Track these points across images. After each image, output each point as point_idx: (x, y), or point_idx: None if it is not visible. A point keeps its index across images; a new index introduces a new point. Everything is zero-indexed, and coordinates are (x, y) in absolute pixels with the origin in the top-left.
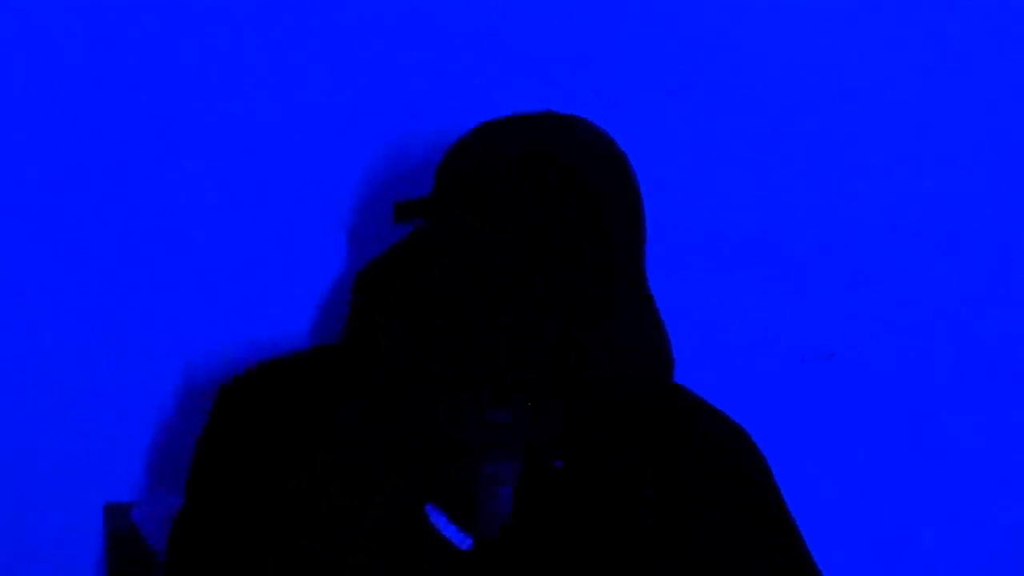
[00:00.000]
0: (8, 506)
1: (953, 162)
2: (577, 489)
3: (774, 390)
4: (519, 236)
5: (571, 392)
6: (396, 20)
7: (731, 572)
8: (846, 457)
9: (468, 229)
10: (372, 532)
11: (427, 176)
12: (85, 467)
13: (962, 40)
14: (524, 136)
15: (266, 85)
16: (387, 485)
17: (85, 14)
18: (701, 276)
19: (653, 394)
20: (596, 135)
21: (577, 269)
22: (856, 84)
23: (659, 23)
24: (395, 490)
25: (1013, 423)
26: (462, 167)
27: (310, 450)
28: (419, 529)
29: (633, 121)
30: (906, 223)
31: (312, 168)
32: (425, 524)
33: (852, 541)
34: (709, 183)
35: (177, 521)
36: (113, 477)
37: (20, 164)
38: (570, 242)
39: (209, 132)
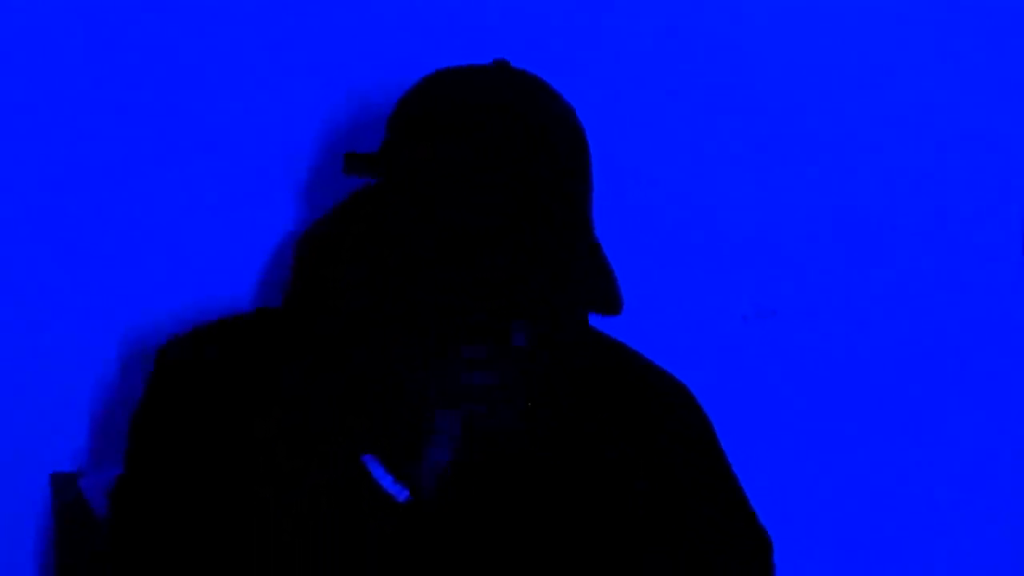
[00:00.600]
0: None
1: (887, 129)
2: (527, 456)
3: (717, 347)
4: (470, 182)
5: (527, 328)
6: None
7: (678, 532)
8: (788, 413)
9: (420, 174)
10: (316, 489)
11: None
12: (31, 437)
13: (914, 35)
14: (475, 85)
15: (219, 43)
16: (333, 442)
17: None
18: (644, 236)
19: (599, 339)
20: (545, 89)
21: (526, 215)
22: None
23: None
24: (340, 446)
25: (946, 379)
26: (414, 114)
27: (253, 411)
28: (362, 485)
29: (586, 87)
30: (845, 182)
31: (261, 131)
32: (367, 479)
33: (794, 497)
34: (653, 147)
35: (117, 487)
36: (59, 447)
37: None
38: (519, 189)
39: (160, 91)
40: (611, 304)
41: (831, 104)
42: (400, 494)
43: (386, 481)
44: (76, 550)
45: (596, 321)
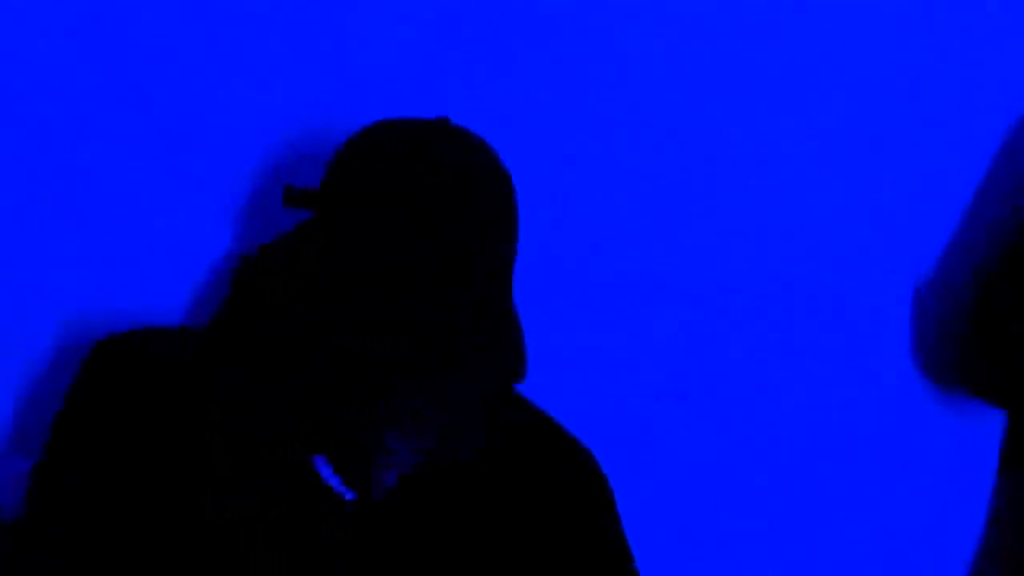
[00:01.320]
0: None
1: (788, 194)
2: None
3: (630, 428)
4: (399, 234)
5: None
6: (300, 14)
7: None
8: (698, 495)
9: (353, 220)
10: (260, 491)
11: (316, 169)
12: None
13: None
14: (414, 138)
15: (165, 72)
16: (279, 446)
17: None
18: (563, 317)
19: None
20: (482, 150)
21: (447, 270)
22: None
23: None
24: (286, 450)
25: (867, 465)
26: (353, 160)
27: (189, 412)
28: (308, 487)
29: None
30: (755, 272)
31: (204, 155)
32: (314, 482)
33: None
34: (578, 219)
35: (37, 472)
36: None
37: None
38: (443, 242)
39: (110, 112)
40: (516, 372)
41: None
42: (348, 496)
43: (334, 482)
44: None
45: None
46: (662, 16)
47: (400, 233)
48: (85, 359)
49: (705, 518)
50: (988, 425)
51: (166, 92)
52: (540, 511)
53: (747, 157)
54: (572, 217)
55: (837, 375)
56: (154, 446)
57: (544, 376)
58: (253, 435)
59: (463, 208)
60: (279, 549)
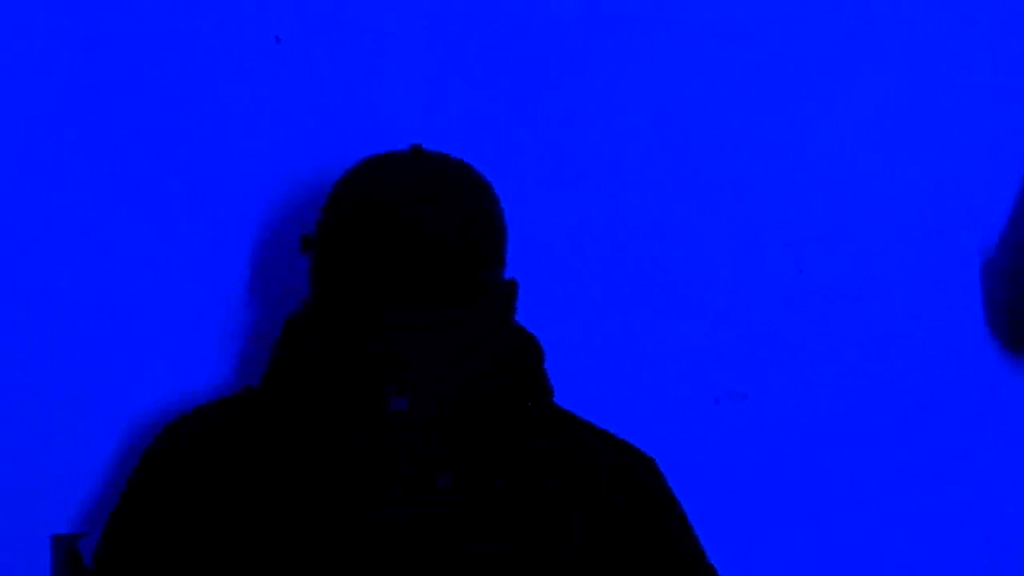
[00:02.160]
0: None
1: (859, 206)
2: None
3: (689, 430)
4: (393, 268)
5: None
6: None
7: None
8: (760, 497)
9: (342, 251)
10: (312, 538)
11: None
12: (32, 498)
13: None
14: (389, 173)
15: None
16: (319, 497)
17: None
18: (618, 316)
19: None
20: (457, 169)
21: (443, 296)
22: (768, 129)
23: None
24: (327, 500)
25: (919, 463)
26: (336, 200)
27: (243, 483)
28: (354, 529)
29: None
30: (817, 265)
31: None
32: (359, 522)
33: None
34: (628, 224)
35: (98, 549)
36: (61, 509)
37: None
38: (439, 275)
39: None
40: (532, 366)
41: (813, 186)
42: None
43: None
44: None
45: (566, 399)
46: (660, 17)
47: (397, 266)
48: (148, 449)
49: (773, 506)
50: None
51: (181, 158)
52: (612, 522)
53: (805, 146)
54: (606, 221)
55: (908, 354)
56: (226, 523)
57: (593, 373)
58: (300, 494)
59: (444, 233)
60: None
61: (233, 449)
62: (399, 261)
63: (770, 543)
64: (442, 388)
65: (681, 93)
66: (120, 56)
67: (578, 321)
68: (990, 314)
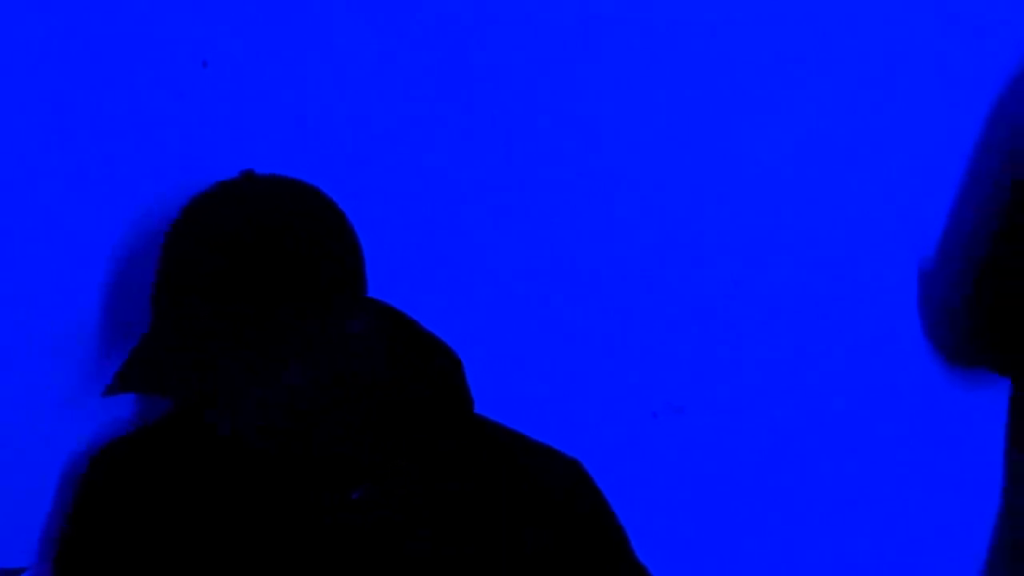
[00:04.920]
0: None
1: (792, 217)
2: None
3: (626, 444)
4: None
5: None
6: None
7: None
8: (697, 510)
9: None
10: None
11: None
12: None
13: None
14: (221, 202)
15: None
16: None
17: None
18: (555, 328)
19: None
20: (290, 189)
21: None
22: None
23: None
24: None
25: (859, 476)
26: (172, 233)
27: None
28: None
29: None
30: (750, 276)
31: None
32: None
33: None
34: (567, 234)
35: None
36: (5, 543)
37: None
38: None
39: None
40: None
41: (738, 197)
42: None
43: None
44: None
45: (498, 412)
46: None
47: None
48: (83, 476)
49: (713, 519)
50: (998, 399)
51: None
52: (538, 524)
53: (742, 154)
54: (570, 223)
55: (845, 364)
56: (173, 539)
57: (530, 387)
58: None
59: (278, 253)
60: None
61: (165, 474)
62: (259, 274)
63: (705, 557)
64: (334, 399)
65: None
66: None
67: (515, 332)
68: (929, 322)
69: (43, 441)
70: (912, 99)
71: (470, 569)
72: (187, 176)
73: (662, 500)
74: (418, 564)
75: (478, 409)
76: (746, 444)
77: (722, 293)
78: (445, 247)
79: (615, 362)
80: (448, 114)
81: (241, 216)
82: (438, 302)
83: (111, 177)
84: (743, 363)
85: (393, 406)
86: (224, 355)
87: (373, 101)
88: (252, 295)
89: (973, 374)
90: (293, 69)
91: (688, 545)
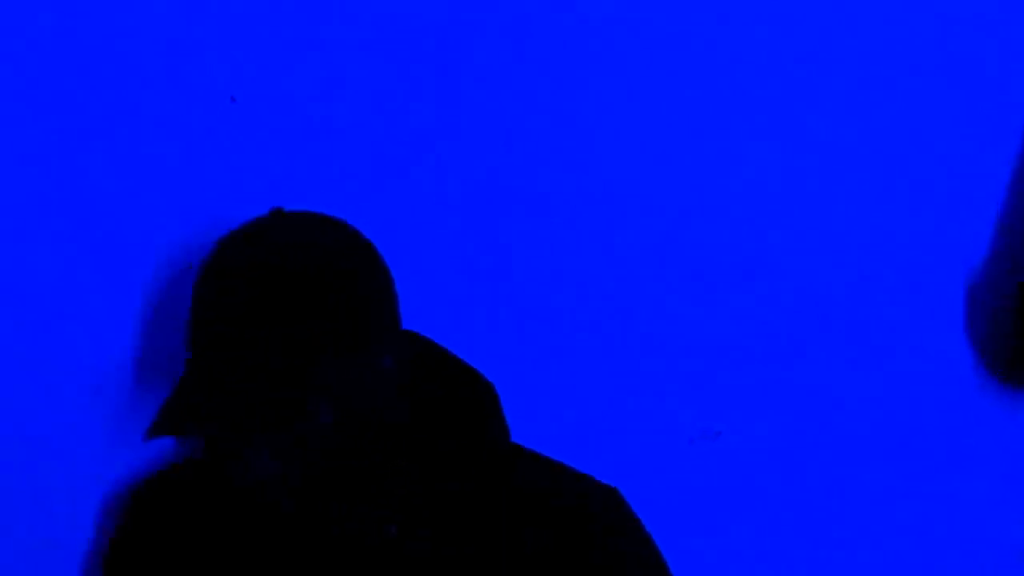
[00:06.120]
0: None
1: (833, 237)
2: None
3: (663, 470)
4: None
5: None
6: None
7: None
8: (735, 536)
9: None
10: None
11: None
12: (5, 566)
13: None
14: (252, 239)
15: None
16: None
17: None
18: (591, 355)
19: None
20: (320, 225)
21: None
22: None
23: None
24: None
25: (900, 499)
26: (207, 272)
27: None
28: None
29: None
30: (790, 301)
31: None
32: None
33: None
34: (600, 260)
35: None
36: None
37: None
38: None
39: None
40: (488, 408)
41: (775, 227)
42: None
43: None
44: None
45: (535, 441)
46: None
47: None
48: (118, 513)
49: (752, 544)
50: None
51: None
52: (577, 554)
53: (784, 173)
54: (608, 248)
55: (889, 385)
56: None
57: (566, 413)
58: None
59: (311, 290)
60: None
61: (200, 512)
62: (292, 313)
63: None
64: (373, 430)
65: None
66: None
67: (551, 358)
68: (977, 338)
69: (81, 476)
70: (959, 109)
71: None
72: (217, 212)
73: (700, 526)
74: None
75: (513, 437)
76: (784, 469)
77: (760, 316)
78: (479, 271)
79: (652, 388)
80: (485, 153)
81: (272, 254)
82: (471, 328)
83: (141, 214)
84: (782, 387)
85: (423, 441)
86: (256, 396)
87: (404, 136)
88: (285, 333)
89: (1021, 389)
90: (322, 104)
91: (727, 572)
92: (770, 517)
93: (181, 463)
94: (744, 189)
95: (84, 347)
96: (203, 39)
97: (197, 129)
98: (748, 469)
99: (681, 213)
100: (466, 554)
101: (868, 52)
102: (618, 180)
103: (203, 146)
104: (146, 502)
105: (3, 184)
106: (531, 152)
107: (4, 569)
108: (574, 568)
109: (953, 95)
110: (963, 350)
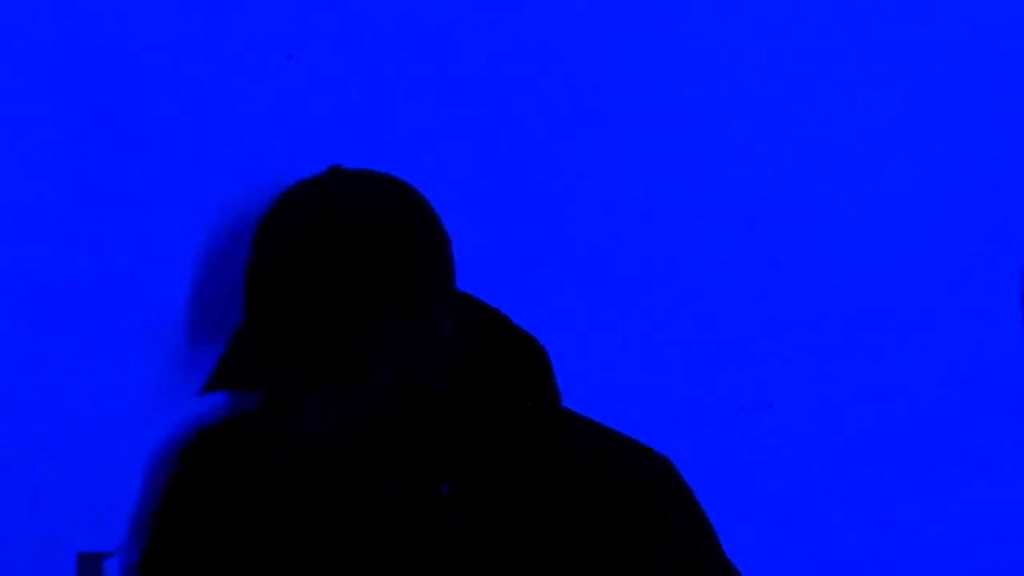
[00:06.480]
0: None
1: (893, 211)
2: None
3: (714, 439)
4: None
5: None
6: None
7: None
8: (785, 505)
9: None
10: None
11: None
12: (60, 515)
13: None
14: (310, 195)
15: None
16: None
17: None
18: (644, 324)
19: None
20: (376, 182)
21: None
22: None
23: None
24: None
25: (951, 473)
26: (264, 229)
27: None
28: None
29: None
30: (843, 271)
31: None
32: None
33: None
34: (654, 229)
35: (143, 569)
36: (88, 526)
37: None
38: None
39: None
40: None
41: (836, 191)
42: None
43: None
44: None
45: (588, 407)
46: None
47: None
48: (172, 465)
49: (803, 515)
50: None
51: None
52: (629, 521)
53: (847, 153)
54: (661, 218)
55: (942, 361)
56: (260, 529)
57: (619, 381)
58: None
59: (362, 242)
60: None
61: (252, 467)
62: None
63: (795, 553)
64: (430, 388)
65: (700, 93)
66: (125, 63)
67: (604, 328)
68: None
69: (133, 428)
70: (1013, 95)
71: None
72: (274, 169)
73: (751, 497)
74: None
75: (567, 403)
76: (837, 440)
77: (816, 289)
78: (539, 240)
79: (706, 357)
80: (555, 110)
81: (329, 212)
82: (528, 296)
83: (200, 170)
84: (835, 358)
85: (477, 403)
86: (314, 354)
87: (460, 92)
88: (342, 292)
89: None
90: (379, 61)
91: (778, 542)
92: (819, 490)
93: (233, 418)
94: (815, 163)
95: (138, 302)
96: None
97: (255, 87)
98: (798, 441)
99: (748, 185)
100: (508, 528)
101: (940, 44)
102: (686, 147)
103: (261, 103)
104: (198, 456)
105: (65, 141)
106: (598, 115)
107: (62, 520)
108: (625, 537)
109: (1013, 84)
110: (1020, 324)
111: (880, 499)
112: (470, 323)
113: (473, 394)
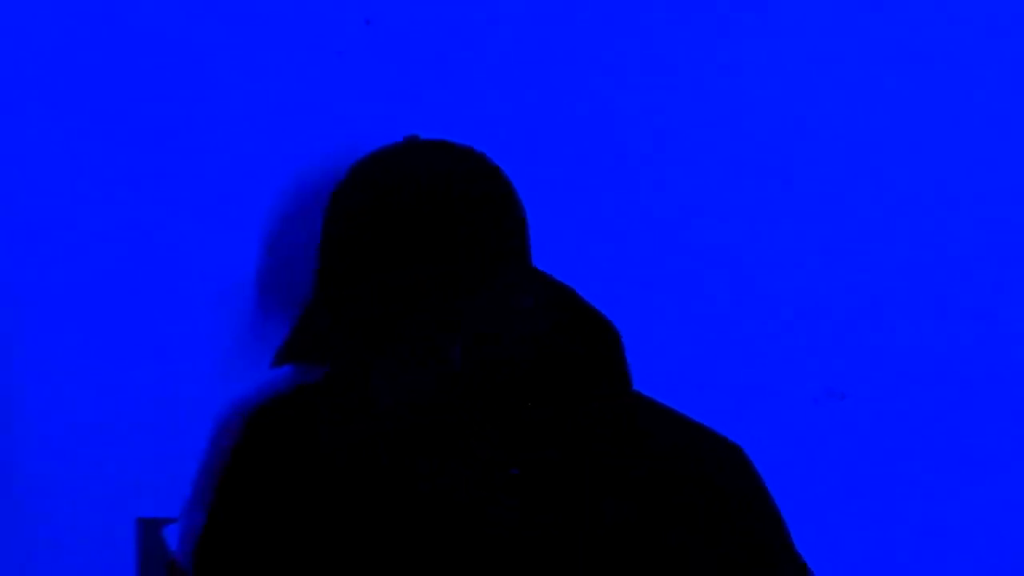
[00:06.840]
0: (42, 517)
1: (961, 204)
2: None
3: (786, 429)
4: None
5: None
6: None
7: None
8: (857, 497)
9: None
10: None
11: None
12: (124, 479)
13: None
14: (391, 162)
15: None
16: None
17: None
18: (716, 314)
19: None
20: (452, 152)
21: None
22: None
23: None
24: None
25: (1021, 466)
26: (343, 196)
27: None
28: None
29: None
30: (920, 265)
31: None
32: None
33: None
34: (725, 219)
35: (203, 539)
36: (149, 491)
37: None
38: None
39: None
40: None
41: (911, 182)
42: None
43: None
44: None
45: (660, 393)
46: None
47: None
48: (237, 435)
49: (874, 508)
50: None
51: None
52: (698, 509)
53: (903, 149)
54: (735, 211)
55: (1010, 354)
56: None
57: (690, 369)
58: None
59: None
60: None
61: (319, 440)
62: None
63: (868, 545)
64: (509, 370)
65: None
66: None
67: (676, 314)
68: None
69: (198, 395)
70: None
71: (610, 551)
72: (350, 137)
73: (822, 488)
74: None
75: (636, 386)
76: (909, 432)
77: (888, 281)
78: (614, 221)
79: (777, 347)
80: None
81: (405, 184)
82: (602, 282)
83: (275, 137)
84: (909, 349)
85: (552, 384)
86: (387, 328)
87: (539, 63)
88: (417, 265)
89: None
90: (458, 28)
91: (844, 532)
92: (892, 482)
93: (300, 390)
94: (889, 156)
95: (208, 267)
96: None
97: (331, 53)
98: (870, 432)
99: (823, 174)
100: (560, 516)
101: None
102: (758, 141)
103: (337, 70)
104: (263, 427)
105: (139, 110)
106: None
107: (125, 485)
108: (695, 524)
109: None
110: None
111: (952, 492)
112: (549, 302)
113: (548, 377)
